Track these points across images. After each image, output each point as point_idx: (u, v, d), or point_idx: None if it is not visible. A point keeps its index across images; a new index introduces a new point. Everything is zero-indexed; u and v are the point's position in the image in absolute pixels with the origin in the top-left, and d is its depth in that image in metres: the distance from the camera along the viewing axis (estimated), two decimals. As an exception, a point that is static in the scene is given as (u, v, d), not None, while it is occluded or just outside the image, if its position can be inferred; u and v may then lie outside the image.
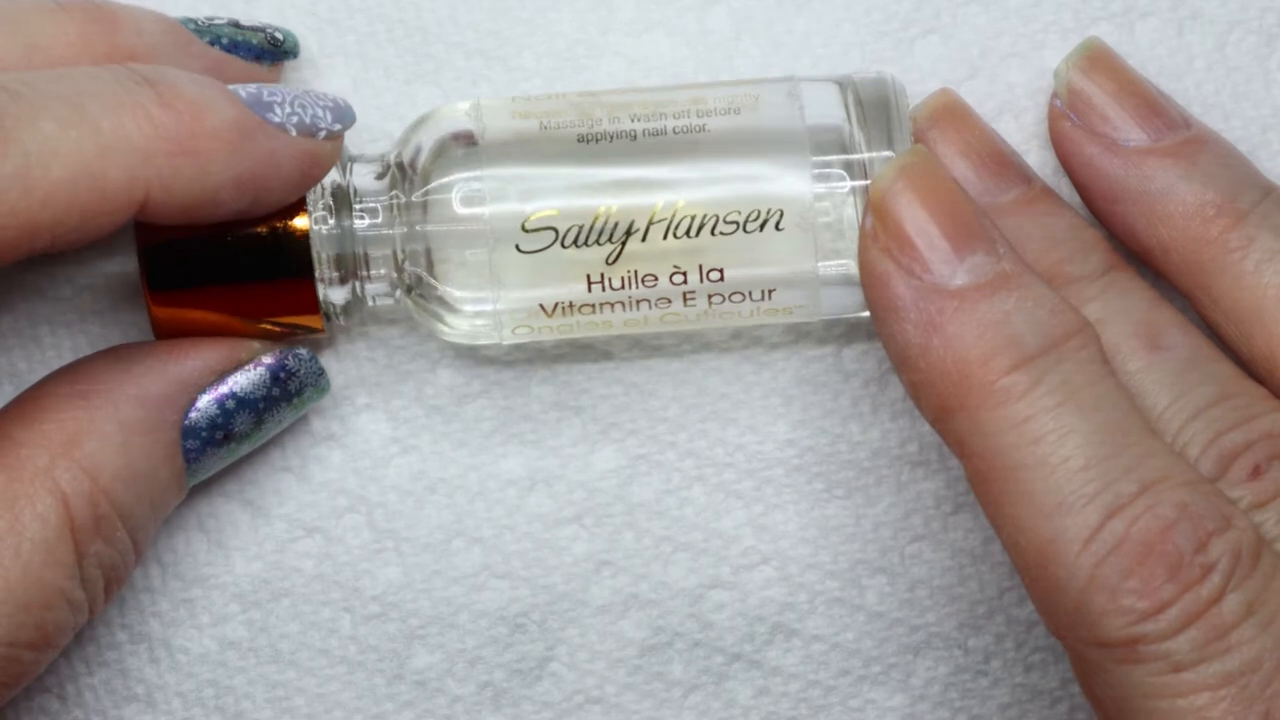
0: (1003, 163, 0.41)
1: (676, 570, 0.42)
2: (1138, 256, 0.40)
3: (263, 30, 0.40)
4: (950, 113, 0.41)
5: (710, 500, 0.43)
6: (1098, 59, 0.41)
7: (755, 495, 0.43)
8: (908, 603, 0.43)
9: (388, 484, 0.42)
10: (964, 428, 0.36)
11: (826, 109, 0.40)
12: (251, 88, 0.37)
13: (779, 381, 0.43)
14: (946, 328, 0.36)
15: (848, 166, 0.39)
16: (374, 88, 0.42)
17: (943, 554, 0.43)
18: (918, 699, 0.43)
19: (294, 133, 0.37)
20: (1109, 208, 0.40)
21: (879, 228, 0.37)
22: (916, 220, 0.37)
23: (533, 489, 0.42)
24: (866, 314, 0.40)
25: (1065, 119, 0.41)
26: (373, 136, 0.42)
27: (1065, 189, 0.42)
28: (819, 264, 0.39)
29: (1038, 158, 0.42)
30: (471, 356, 0.42)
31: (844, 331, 0.43)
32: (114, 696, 0.42)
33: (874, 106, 0.40)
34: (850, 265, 0.39)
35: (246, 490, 0.42)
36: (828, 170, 0.39)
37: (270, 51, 0.40)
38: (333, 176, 0.39)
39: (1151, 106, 0.40)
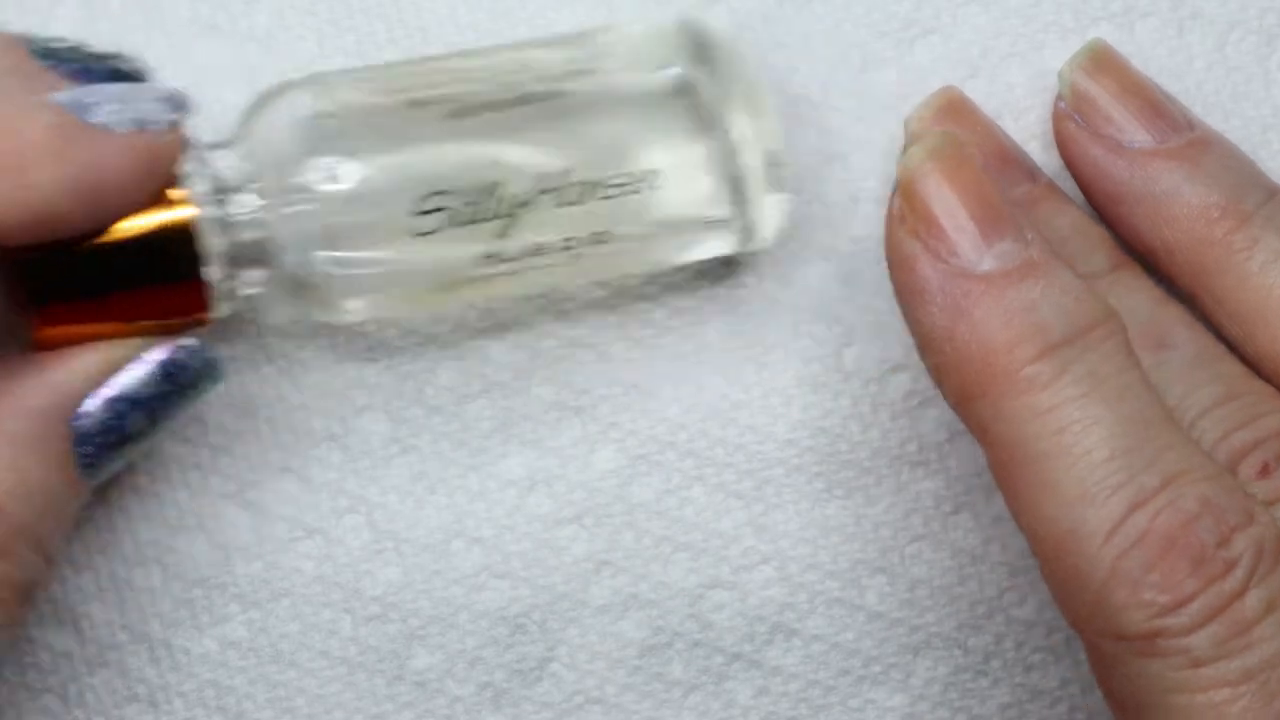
0: (1007, 160, 0.41)
1: (676, 570, 0.43)
2: (1142, 258, 0.40)
3: (108, 56, 0.38)
4: (954, 110, 0.41)
5: (710, 500, 0.43)
6: (1102, 60, 0.41)
7: (755, 495, 0.43)
8: (907, 603, 0.43)
9: (388, 484, 0.42)
10: (987, 414, 0.36)
11: (669, 59, 0.40)
12: (73, 91, 0.36)
13: (779, 381, 0.43)
14: (973, 312, 0.36)
15: (696, 114, 0.39)
16: (374, 88, 0.42)
17: (942, 554, 0.43)
18: (917, 699, 0.43)
19: (122, 131, 0.36)
20: (1113, 209, 0.40)
21: (906, 209, 0.37)
22: (945, 203, 0.37)
23: (533, 489, 0.42)
24: (727, 252, 0.40)
25: (1070, 120, 0.41)
26: (372, 137, 0.42)
27: (1069, 189, 0.42)
28: (704, 213, 0.39)
29: (1039, 159, 0.42)
30: (471, 357, 0.42)
31: (844, 331, 0.43)
32: (115, 697, 0.42)
33: (711, 50, 0.40)
34: (727, 212, 0.40)
35: (246, 491, 0.42)
36: (688, 125, 0.39)
37: (117, 76, 0.38)
38: (202, 166, 0.38)
39: (1156, 108, 0.40)
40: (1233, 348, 0.39)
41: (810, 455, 0.43)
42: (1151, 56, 0.43)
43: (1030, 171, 0.41)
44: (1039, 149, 0.42)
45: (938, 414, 0.43)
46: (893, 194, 0.37)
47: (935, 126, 0.41)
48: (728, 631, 0.43)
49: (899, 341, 0.43)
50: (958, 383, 0.36)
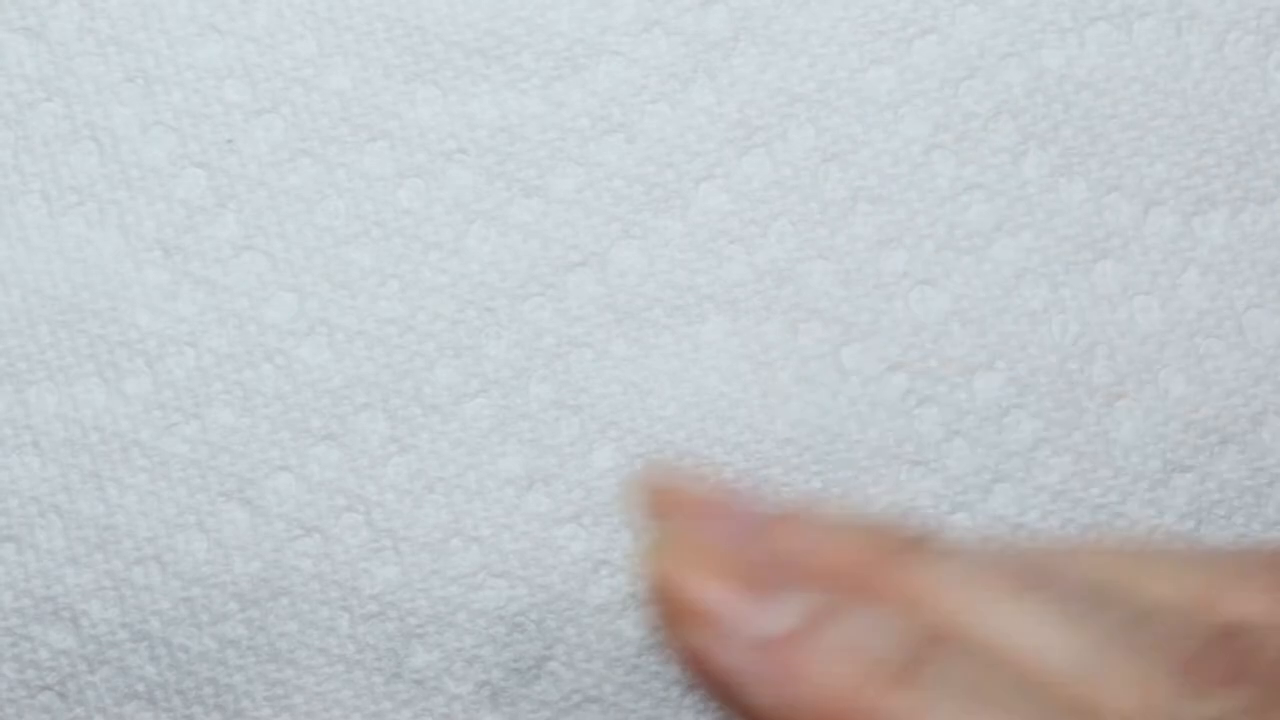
0: (734, 508, 0.36)
1: (674, 569, 0.43)
2: None
3: None
4: (663, 495, 0.35)
5: (708, 499, 0.43)
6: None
7: (753, 494, 0.43)
8: (905, 601, 0.43)
9: (386, 483, 0.42)
10: None
11: None
12: None
13: (776, 380, 0.43)
14: (801, 671, 0.32)
15: None
16: (372, 87, 0.42)
17: (940, 553, 0.43)
18: (915, 697, 0.43)
19: None
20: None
21: (670, 614, 0.33)
22: (704, 588, 0.33)
23: (531, 488, 0.42)
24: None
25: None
26: (371, 136, 0.42)
27: (1062, 186, 0.42)
28: None
29: (1035, 158, 0.42)
30: (469, 355, 0.42)
31: (842, 329, 0.43)
32: (115, 694, 0.42)
33: None
34: None
35: (245, 489, 0.42)
36: None
37: None
38: None
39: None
40: None
41: (808, 454, 0.43)
42: (1149, 56, 0.43)
43: (751, 503, 0.35)
44: (1036, 149, 0.42)
45: (936, 413, 0.43)
46: (649, 604, 0.33)
47: (651, 520, 0.35)
48: (725, 630, 0.43)
49: (897, 340, 0.43)
50: None
